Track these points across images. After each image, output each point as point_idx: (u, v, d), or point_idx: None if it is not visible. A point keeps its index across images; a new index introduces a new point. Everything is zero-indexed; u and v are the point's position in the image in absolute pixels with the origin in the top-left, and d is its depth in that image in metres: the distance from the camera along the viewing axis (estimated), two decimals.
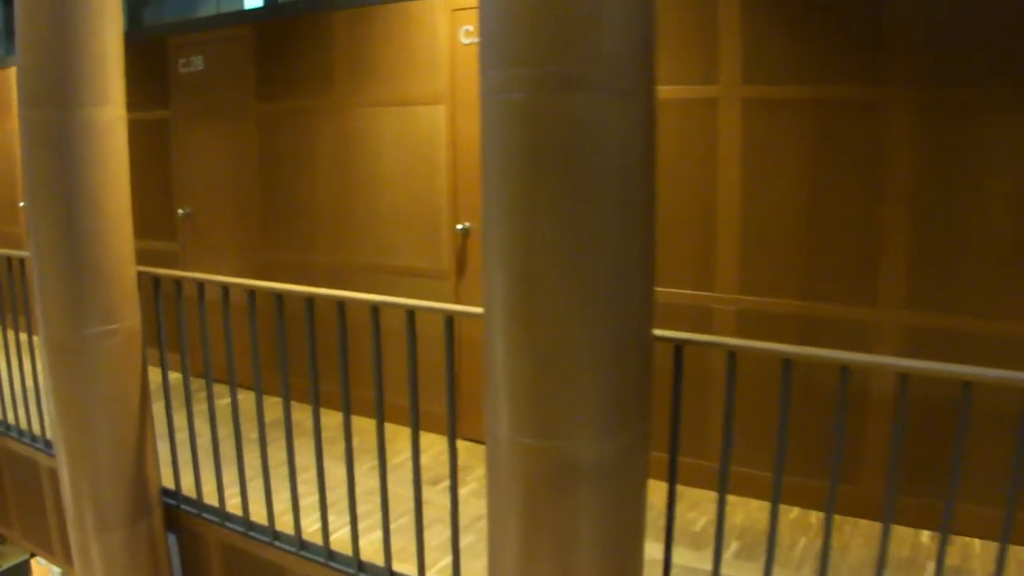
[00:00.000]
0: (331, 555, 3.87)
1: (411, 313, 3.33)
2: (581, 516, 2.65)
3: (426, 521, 4.14)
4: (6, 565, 10.53)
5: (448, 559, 3.88)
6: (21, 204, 8.02)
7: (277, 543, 4.03)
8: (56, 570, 10.05)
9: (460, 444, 5.08)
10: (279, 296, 3.66)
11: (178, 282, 4.08)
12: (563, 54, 2.33)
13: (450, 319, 3.27)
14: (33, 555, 10.22)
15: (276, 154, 5.96)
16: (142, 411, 4.16)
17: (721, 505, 2.99)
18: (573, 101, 2.35)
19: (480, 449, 4.93)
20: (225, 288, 3.85)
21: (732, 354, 2.88)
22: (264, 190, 6.07)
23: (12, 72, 7.97)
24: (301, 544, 3.95)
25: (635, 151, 2.47)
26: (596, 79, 2.36)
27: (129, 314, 4.04)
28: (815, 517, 4.24)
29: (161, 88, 6.49)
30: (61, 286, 3.94)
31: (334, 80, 5.57)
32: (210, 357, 4.12)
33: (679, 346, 2.93)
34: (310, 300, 3.57)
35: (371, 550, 3.90)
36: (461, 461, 4.86)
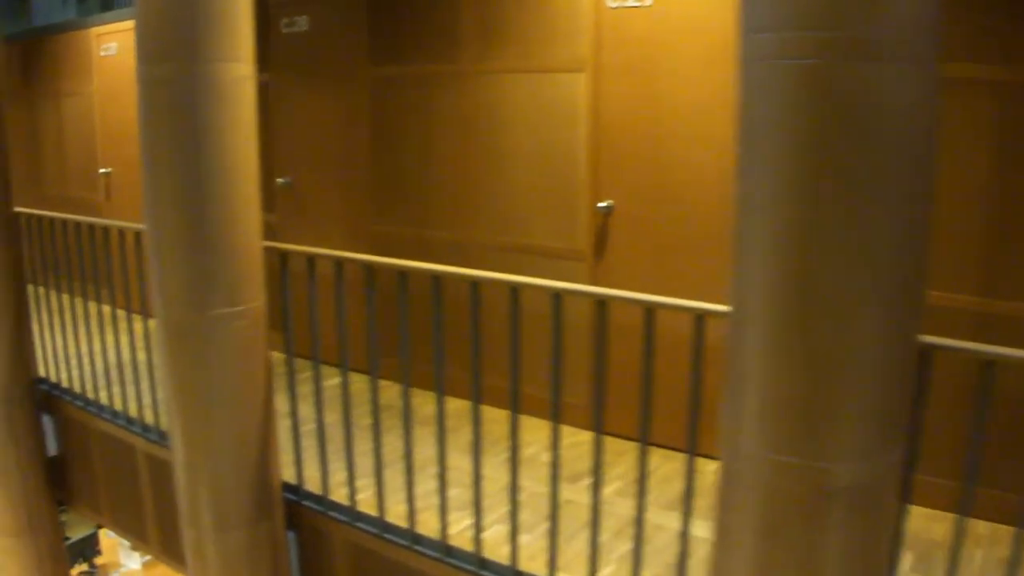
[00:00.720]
0: (483, 563, 3.49)
1: (602, 303, 2.92)
2: (832, 545, 2.35)
3: (575, 524, 3.79)
4: (74, 537, 10.33)
5: (609, 568, 3.53)
6: (102, 171, 7.72)
7: (418, 547, 3.66)
8: (126, 543, 9.85)
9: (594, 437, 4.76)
10: (436, 278, 3.26)
11: (311, 259, 3.70)
12: (857, 15, 2.01)
13: (650, 312, 2.86)
14: (100, 527, 10.03)
15: (389, 122, 5.52)
16: (266, 401, 3.80)
17: (960, 526, 2.61)
18: (867, 71, 2.03)
19: (619, 443, 4.55)
20: (370, 268, 3.46)
21: (990, 364, 2.46)
22: (375, 161, 5.64)
23: (91, 33, 7.64)
24: (447, 550, 3.58)
25: (923, 133, 2.16)
26: (891, 46, 2.04)
27: (256, 294, 3.67)
28: (983, 527, 3.81)
29: (260, 49, 6.03)
30: (183, 262, 3.57)
31: (459, 43, 5.10)
32: (346, 341, 3.74)
33: (924, 352, 2.51)
34: (475, 284, 3.17)
35: (522, 556, 3.51)
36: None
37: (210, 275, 3.53)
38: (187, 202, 3.49)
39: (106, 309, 5.10)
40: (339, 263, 3.55)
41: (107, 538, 10.51)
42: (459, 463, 4.11)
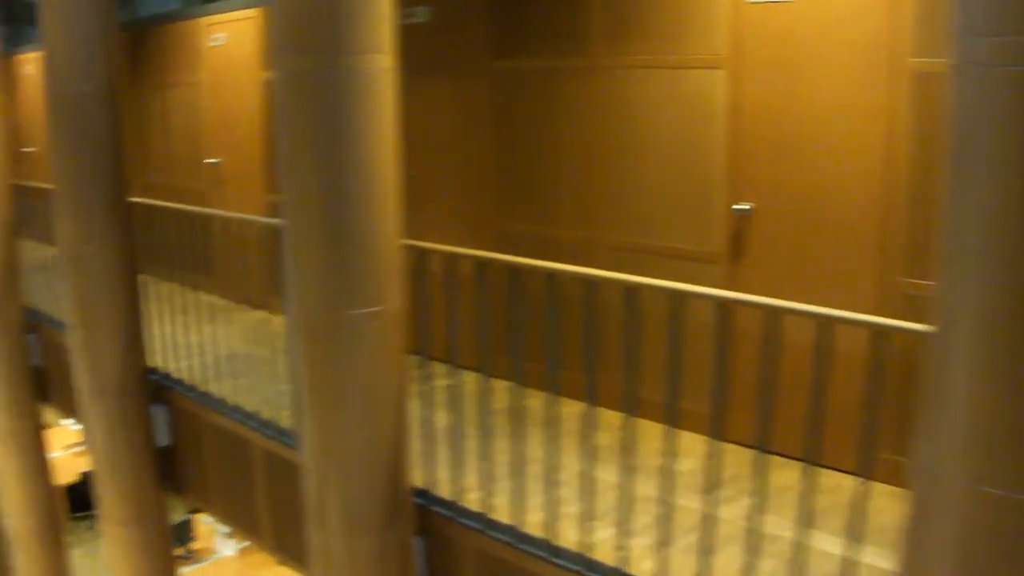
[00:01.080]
0: None
1: (773, 317, 2.75)
2: None
3: (717, 540, 3.62)
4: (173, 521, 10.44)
5: None
6: (207, 160, 7.73)
7: (556, 559, 3.52)
8: (223, 529, 9.90)
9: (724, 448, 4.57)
10: (590, 283, 3.12)
11: (452, 258, 3.58)
12: None
13: (824, 325, 2.68)
14: (195, 511, 10.10)
15: (512, 117, 5.38)
16: (401, 404, 3.69)
17: None
18: None
19: (748, 453, 4.36)
20: (514, 269, 3.33)
21: None
22: (497, 156, 5.51)
23: (199, 24, 7.63)
24: (588, 563, 3.44)
25: None
26: None
27: (394, 294, 3.56)
28: None
29: None
30: (320, 260, 3.47)
31: (588, 37, 4.92)
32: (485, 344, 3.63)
33: None
34: (632, 290, 3.02)
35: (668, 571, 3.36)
36: (731, 470, 4.32)
37: (348, 274, 3.43)
38: (326, 197, 3.40)
39: (219, 302, 5.07)
40: (483, 264, 3.42)
41: (202, 524, 10.60)
42: (589, 470, 3.98)
